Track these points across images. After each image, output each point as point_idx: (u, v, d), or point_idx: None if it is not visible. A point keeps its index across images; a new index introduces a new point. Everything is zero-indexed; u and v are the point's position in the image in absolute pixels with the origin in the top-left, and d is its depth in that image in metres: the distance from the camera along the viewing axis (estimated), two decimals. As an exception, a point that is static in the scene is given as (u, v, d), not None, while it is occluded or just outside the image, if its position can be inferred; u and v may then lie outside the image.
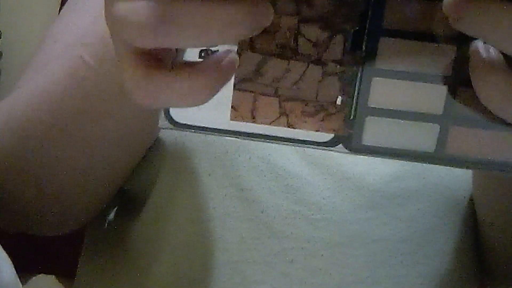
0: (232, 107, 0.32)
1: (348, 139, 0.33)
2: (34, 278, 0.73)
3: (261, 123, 0.32)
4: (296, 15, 0.31)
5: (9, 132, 0.52)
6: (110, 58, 0.47)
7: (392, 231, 0.54)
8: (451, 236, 0.56)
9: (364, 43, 0.31)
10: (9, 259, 0.43)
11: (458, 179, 0.56)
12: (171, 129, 0.33)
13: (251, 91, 0.32)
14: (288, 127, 0.32)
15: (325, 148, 0.33)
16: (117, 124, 0.50)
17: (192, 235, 0.54)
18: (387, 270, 0.53)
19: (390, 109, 0.32)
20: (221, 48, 0.31)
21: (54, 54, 0.55)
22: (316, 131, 0.33)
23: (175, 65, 0.30)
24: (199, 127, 0.33)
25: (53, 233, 0.60)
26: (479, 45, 0.30)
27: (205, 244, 0.53)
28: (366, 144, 0.33)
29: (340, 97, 0.32)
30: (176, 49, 0.31)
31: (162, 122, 0.33)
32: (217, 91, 0.30)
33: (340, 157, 0.55)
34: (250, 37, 0.31)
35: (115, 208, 0.61)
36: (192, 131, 0.33)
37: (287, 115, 0.32)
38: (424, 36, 0.31)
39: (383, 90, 0.32)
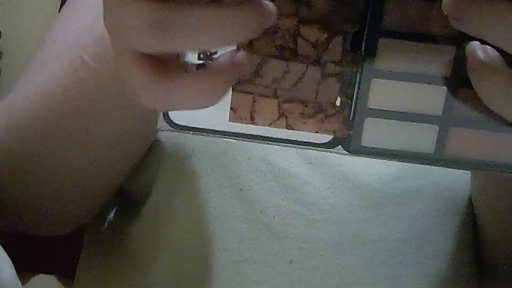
0: (231, 108, 0.32)
1: (347, 140, 0.33)
2: (34, 278, 0.72)
3: (260, 125, 0.32)
4: (295, 16, 0.31)
5: (9, 132, 0.52)
6: (110, 59, 0.47)
7: (391, 231, 0.54)
8: (451, 236, 0.56)
9: (363, 44, 0.31)
10: (9, 259, 0.43)
11: (457, 179, 0.56)
12: (170, 131, 0.33)
13: (250, 93, 0.32)
14: (287, 128, 0.32)
15: (324, 149, 0.33)
16: (117, 124, 0.50)
17: (192, 235, 0.54)
18: (386, 270, 0.53)
19: (389, 110, 0.32)
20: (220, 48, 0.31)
21: (54, 54, 0.55)
22: (315, 132, 0.33)
23: (184, 68, 0.30)
24: (198, 128, 0.33)
25: (53, 233, 0.60)
26: (476, 45, 0.30)
27: (204, 244, 0.53)
28: (365, 145, 0.33)
29: (339, 98, 0.32)
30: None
31: (161, 123, 0.33)
32: (227, 91, 0.30)
33: (339, 157, 0.55)
34: None
35: (115, 208, 0.61)
36: (191, 133, 0.33)
37: (286, 117, 0.32)
38: (423, 37, 0.31)
39: (382, 91, 0.32)
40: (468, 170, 0.53)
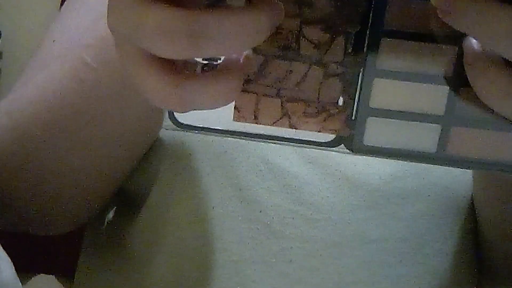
0: (235, 108, 0.32)
1: (350, 140, 0.33)
2: (34, 278, 0.72)
3: (264, 124, 0.33)
4: (298, 17, 0.31)
5: (9, 132, 0.52)
6: (111, 59, 0.47)
7: (391, 231, 0.54)
8: (450, 236, 0.56)
9: (365, 44, 0.32)
10: (9, 259, 0.43)
11: (458, 179, 0.56)
12: (175, 130, 0.33)
13: (253, 92, 0.32)
14: (290, 127, 0.33)
15: (327, 148, 0.33)
16: (117, 124, 0.50)
17: (191, 235, 0.54)
18: (386, 270, 0.54)
19: (392, 110, 0.32)
20: None
21: (54, 54, 0.55)
22: (318, 131, 0.33)
23: (193, 68, 0.31)
24: (203, 127, 0.33)
25: (53, 233, 0.60)
26: (473, 41, 0.30)
27: (204, 244, 0.53)
28: (367, 144, 0.33)
29: (341, 98, 0.32)
30: None
31: (166, 123, 0.33)
32: (239, 91, 0.31)
33: (339, 157, 0.55)
34: None
35: (114, 208, 0.61)
36: (195, 132, 0.33)
37: (289, 116, 0.32)
38: (425, 36, 0.31)
39: (384, 91, 0.32)
40: (470, 169, 0.54)
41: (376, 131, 0.33)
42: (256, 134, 0.33)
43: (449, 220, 0.56)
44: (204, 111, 0.31)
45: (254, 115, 0.32)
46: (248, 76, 0.32)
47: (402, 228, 0.54)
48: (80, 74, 0.48)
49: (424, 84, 0.32)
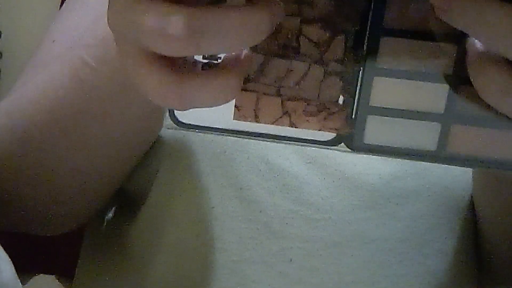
0: (235, 106, 0.32)
1: (350, 138, 0.33)
2: (34, 278, 0.72)
3: (264, 123, 0.33)
4: (297, 15, 0.31)
5: (9, 132, 0.52)
6: (111, 59, 0.47)
7: (391, 231, 0.54)
8: (450, 236, 0.56)
9: (365, 43, 0.32)
10: (9, 259, 0.43)
11: (457, 179, 0.56)
12: (176, 129, 0.33)
13: (254, 91, 0.32)
14: (291, 126, 0.33)
15: (327, 147, 0.33)
16: (117, 124, 0.50)
17: (191, 235, 0.54)
18: (385, 270, 0.54)
19: (392, 108, 0.32)
20: None
21: (54, 54, 0.55)
22: (318, 130, 0.33)
23: (193, 66, 0.30)
24: (203, 126, 0.33)
25: (53, 232, 0.60)
26: (475, 39, 0.30)
27: (204, 244, 0.53)
28: (367, 143, 0.33)
29: (341, 96, 0.32)
30: None
31: (167, 122, 0.33)
32: (240, 88, 0.31)
33: (339, 157, 0.55)
34: None
35: (114, 208, 0.61)
36: (196, 131, 0.33)
37: (289, 115, 0.32)
38: (425, 35, 0.31)
39: (384, 89, 0.32)
40: (470, 168, 0.54)
41: (376, 130, 0.33)
42: (257, 133, 0.33)
43: (449, 220, 0.56)
44: (205, 110, 0.31)
45: (255, 114, 0.32)
46: (248, 75, 0.32)
47: (402, 228, 0.54)
48: (80, 74, 0.48)
49: (424, 83, 0.32)
